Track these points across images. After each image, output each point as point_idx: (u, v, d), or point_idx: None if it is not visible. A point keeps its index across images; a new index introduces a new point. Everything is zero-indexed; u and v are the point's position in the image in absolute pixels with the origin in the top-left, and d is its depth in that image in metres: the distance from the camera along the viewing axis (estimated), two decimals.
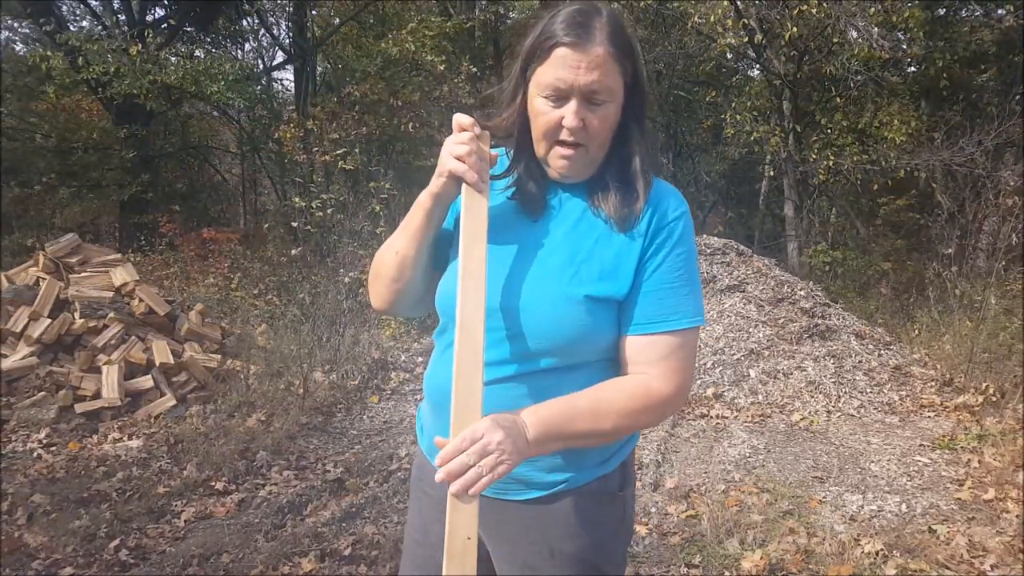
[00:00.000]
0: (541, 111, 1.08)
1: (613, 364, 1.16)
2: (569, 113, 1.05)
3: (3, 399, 4.11)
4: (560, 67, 1.04)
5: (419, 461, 1.32)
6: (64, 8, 12.49)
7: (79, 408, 4.15)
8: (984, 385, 4.70)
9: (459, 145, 1.07)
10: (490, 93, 1.19)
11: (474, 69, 10.75)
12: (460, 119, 1.10)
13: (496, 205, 1.18)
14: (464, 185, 1.08)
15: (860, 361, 5.19)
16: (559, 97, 1.06)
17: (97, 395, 4.22)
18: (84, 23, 12.98)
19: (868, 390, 4.88)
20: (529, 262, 1.13)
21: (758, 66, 10.31)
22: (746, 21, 8.67)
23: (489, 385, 1.11)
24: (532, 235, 1.15)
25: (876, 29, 8.15)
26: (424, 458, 1.29)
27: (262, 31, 14.30)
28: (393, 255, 1.19)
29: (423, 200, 1.13)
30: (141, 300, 4.71)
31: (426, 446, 1.28)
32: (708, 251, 6.29)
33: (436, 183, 1.11)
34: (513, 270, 1.13)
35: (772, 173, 11.27)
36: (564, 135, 1.07)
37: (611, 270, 1.11)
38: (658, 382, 1.09)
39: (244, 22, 13.88)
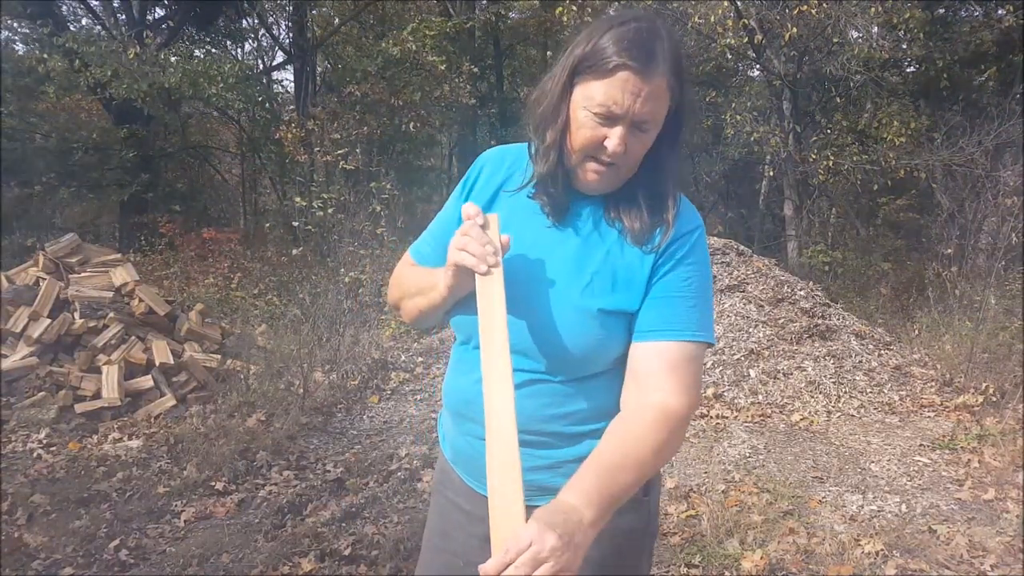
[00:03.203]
0: (585, 125, 1.04)
1: (621, 373, 1.15)
2: (615, 137, 1.02)
3: (3, 399, 4.11)
4: (619, 90, 1.00)
5: (441, 466, 1.32)
6: (64, 8, 12.50)
7: (79, 408, 4.15)
8: (984, 385, 4.70)
9: (463, 237, 1.04)
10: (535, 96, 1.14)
11: (475, 69, 10.75)
12: (466, 209, 1.07)
13: (514, 201, 1.17)
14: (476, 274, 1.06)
15: (860, 361, 5.19)
16: (608, 118, 1.02)
17: (97, 395, 4.22)
18: (84, 22, 12.98)
19: (868, 390, 4.88)
20: (544, 271, 1.12)
21: (758, 66, 10.31)
22: (746, 21, 8.67)
23: None
24: (548, 240, 1.14)
25: (876, 29, 8.16)
26: (447, 464, 1.29)
27: (262, 31, 14.30)
28: (416, 311, 1.22)
29: (441, 289, 1.11)
30: (141, 300, 4.71)
31: (449, 454, 1.28)
32: (708, 251, 6.29)
33: (447, 276, 1.08)
34: (527, 277, 1.12)
35: (772, 173, 11.28)
36: (603, 155, 1.05)
37: (624, 282, 1.10)
38: (671, 399, 1.05)
39: (244, 22, 13.88)
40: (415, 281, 1.22)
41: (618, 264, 1.11)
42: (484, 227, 1.07)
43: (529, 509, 0.94)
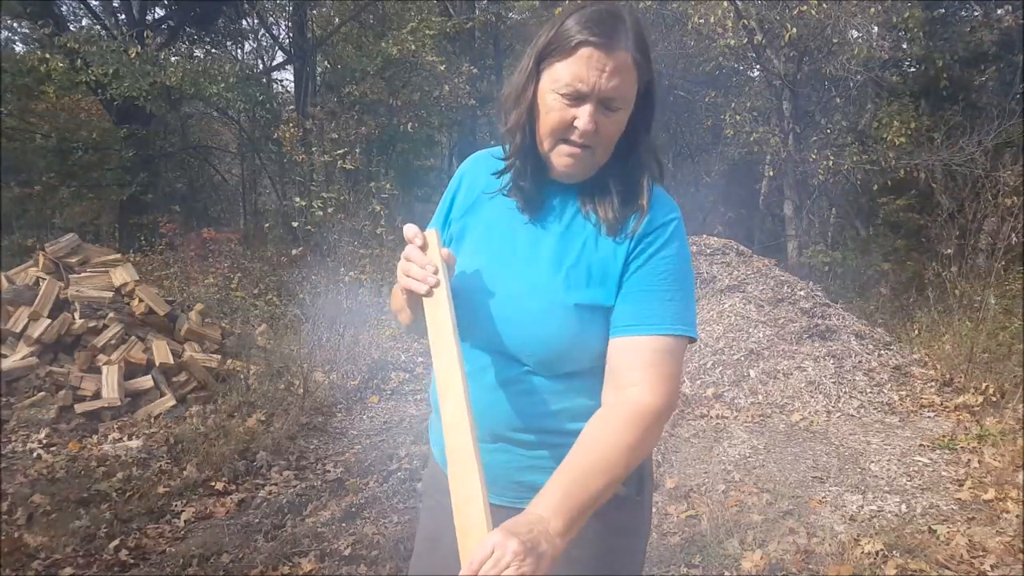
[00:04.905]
0: (553, 107, 1.04)
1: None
2: (584, 115, 1.02)
3: (3, 399, 4.11)
4: (583, 67, 1.00)
5: (432, 469, 1.32)
6: (64, 8, 12.50)
7: (79, 408, 4.15)
8: (984, 385, 4.69)
9: (405, 262, 1.09)
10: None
11: (474, 69, 10.75)
12: (405, 232, 1.10)
13: (494, 202, 1.18)
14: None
15: (860, 361, 5.18)
16: (576, 97, 1.02)
17: (97, 395, 4.22)
18: (84, 22, 12.98)
19: (868, 390, 4.88)
20: (521, 267, 1.12)
21: (758, 66, 10.31)
22: (746, 22, 8.67)
23: (489, 392, 1.12)
24: (526, 237, 1.14)
25: (876, 29, 8.16)
26: (437, 467, 1.29)
27: (262, 31, 14.30)
28: (401, 321, 1.26)
29: (406, 311, 1.18)
30: (141, 300, 4.71)
31: (440, 457, 1.28)
32: (708, 251, 6.29)
33: (402, 298, 1.15)
34: (506, 276, 1.12)
35: (772, 173, 11.28)
36: (574, 136, 1.05)
37: (599, 276, 1.09)
38: (646, 394, 1.03)
39: (244, 22, 13.89)
40: (397, 296, 1.25)
41: (592, 258, 1.10)
42: (424, 247, 1.10)
43: (520, 511, 0.96)
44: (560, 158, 1.08)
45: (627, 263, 1.09)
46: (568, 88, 1.02)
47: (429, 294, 1.07)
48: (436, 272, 1.07)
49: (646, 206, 1.10)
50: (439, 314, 1.07)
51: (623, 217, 1.10)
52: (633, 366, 1.06)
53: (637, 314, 1.07)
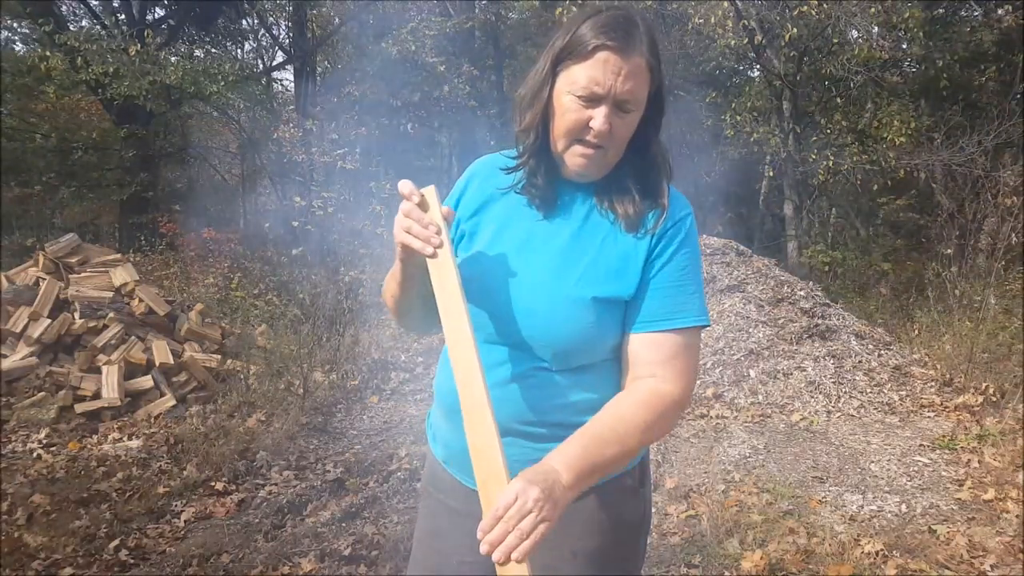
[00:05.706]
0: (569, 108, 1.07)
1: (619, 363, 1.17)
2: (600, 117, 1.05)
3: (3, 399, 4.11)
4: (600, 70, 1.03)
5: (432, 467, 1.32)
6: (64, 8, 12.50)
7: (79, 408, 4.15)
8: (984, 385, 4.70)
9: (403, 218, 1.08)
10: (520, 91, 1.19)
11: (474, 69, 10.76)
12: (400, 188, 1.10)
13: (506, 200, 1.19)
14: None
15: (860, 361, 5.18)
16: (592, 99, 1.05)
17: (97, 395, 4.22)
18: (84, 23, 12.98)
19: (868, 390, 4.88)
20: (537, 262, 1.13)
21: (758, 66, 10.32)
22: (746, 22, 8.67)
23: (500, 387, 1.12)
24: (540, 233, 1.16)
25: (876, 29, 8.16)
26: (437, 464, 1.29)
27: (262, 31, 14.31)
28: (391, 299, 1.24)
29: (396, 264, 1.16)
30: (141, 300, 4.71)
31: (440, 453, 1.28)
32: (708, 251, 6.29)
33: (396, 252, 1.13)
34: (521, 271, 1.13)
35: (772, 173, 11.28)
36: (589, 136, 1.07)
37: (617, 270, 1.12)
38: (667, 384, 1.09)
39: (244, 22, 13.90)
40: (391, 282, 1.24)
41: (611, 252, 1.13)
42: (423, 205, 1.09)
43: None
44: (574, 158, 1.11)
45: (649, 260, 1.13)
46: (585, 90, 1.05)
47: (433, 255, 1.07)
48: (439, 232, 1.07)
49: (667, 204, 1.14)
50: (445, 275, 1.07)
51: (643, 213, 1.13)
52: (655, 360, 1.11)
53: (660, 310, 1.11)
